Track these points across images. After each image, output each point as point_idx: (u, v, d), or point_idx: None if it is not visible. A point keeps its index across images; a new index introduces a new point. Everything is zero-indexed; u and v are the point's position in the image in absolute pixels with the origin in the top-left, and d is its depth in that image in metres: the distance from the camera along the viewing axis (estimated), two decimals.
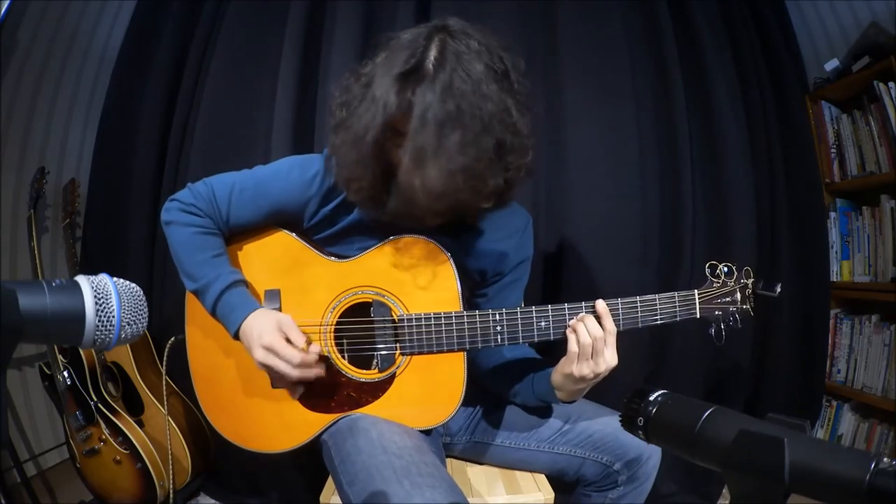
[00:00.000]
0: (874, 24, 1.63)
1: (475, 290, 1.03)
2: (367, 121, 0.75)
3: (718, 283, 0.90)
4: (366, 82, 0.79)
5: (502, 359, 1.01)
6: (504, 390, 1.01)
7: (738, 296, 0.90)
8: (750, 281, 0.91)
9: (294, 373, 0.83)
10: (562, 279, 1.56)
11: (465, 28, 0.78)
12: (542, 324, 0.86)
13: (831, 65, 1.76)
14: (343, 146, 0.81)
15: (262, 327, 0.84)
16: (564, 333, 0.85)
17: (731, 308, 0.89)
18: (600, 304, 0.84)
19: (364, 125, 0.76)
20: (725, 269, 0.90)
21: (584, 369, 0.82)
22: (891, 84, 1.57)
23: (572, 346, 0.83)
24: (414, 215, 0.82)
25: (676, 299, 0.87)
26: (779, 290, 0.88)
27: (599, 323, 0.83)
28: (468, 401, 1.01)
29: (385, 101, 0.73)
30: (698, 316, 0.88)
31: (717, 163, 1.67)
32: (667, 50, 1.64)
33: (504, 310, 0.87)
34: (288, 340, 0.84)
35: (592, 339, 0.81)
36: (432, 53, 0.74)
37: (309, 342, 0.86)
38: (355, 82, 0.82)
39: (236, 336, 0.87)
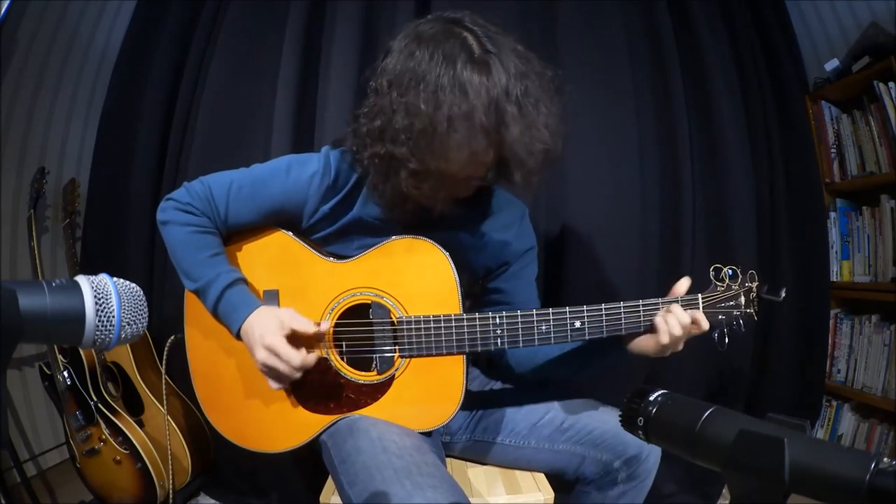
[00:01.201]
0: (874, 24, 1.63)
1: (486, 284, 1.04)
2: (467, 106, 0.74)
3: (723, 287, 0.88)
4: (421, 73, 0.76)
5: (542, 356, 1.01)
6: (550, 371, 1.01)
7: (743, 300, 0.88)
8: (755, 285, 0.89)
9: (294, 374, 0.83)
10: (562, 279, 1.56)
11: (467, 15, 0.80)
12: (543, 327, 0.86)
13: (831, 65, 1.76)
14: (437, 138, 0.76)
15: (263, 327, 0.84)
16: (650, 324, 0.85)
17: (736, 312, 0.87)
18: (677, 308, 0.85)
19: (466, 110, 0.74)
20: (730, 272, 0.88)
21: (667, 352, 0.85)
22: (891, 84, 1.57)
23: (663, 337, 0.83)
24: (524, 174, 0.82)
25: (680, 303, 0.86)
26: (784, 294, 0.86)
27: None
28: (468, 403, 1.02)
29: (476, 84, 0.74)
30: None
31: (717, 162, 1.67)
32: (667, 49, 1.64)
33: (504, 312, 0.87)
34: (292, 336, 0.84)
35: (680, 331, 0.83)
36: (473, 41, 0.77)
37: (317, 324, 0.86)
38: (404, 77, 0.78)
39: (238, 335, 0.87)
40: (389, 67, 0.80)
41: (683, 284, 0.88)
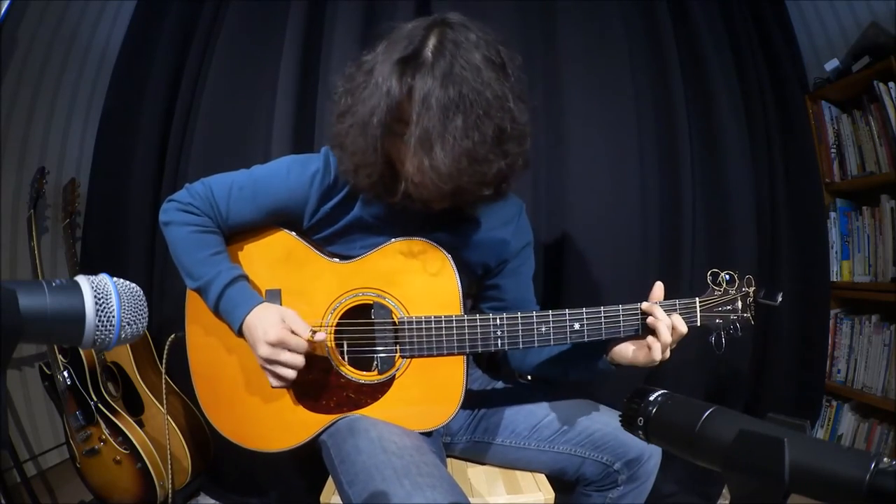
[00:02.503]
0: (874, 24, 1.63)
1: (484, 281, 1.04)
2: (372, 105, 0.76)
3: (720, 291, 0.89)
4: (368, 69, 0.80)
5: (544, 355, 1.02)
6: (554, 373, 1.02)
7: (739, 304, 0.89)
8: (751, 290, 0.90)
9: (292, 374, 0.83)
10: (562, 279, 1.56)
11: (464, 21, 0.79)
12: (543, 329, 0.86)
13: (831, 65, 1.76)
14: (350, 133, 0.81)
15: (266, 323, 0.84)
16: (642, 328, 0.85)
17: (732, 316, 0.88)
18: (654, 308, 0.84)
19: (369, 110, 0.76)
20: (727, 277, 0.89)
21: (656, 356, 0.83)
22: (891, 84, 1.57)
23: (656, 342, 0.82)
24: (422, 198, 0.82)
25: (678, 307, 0.86)
26: (780, 299, 0.87)
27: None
28: (468, 403, 1.02)
29: (388, 86, 0.74)
30: (699, 324, 0.87)
31: (717, 162, 1.67)
32: (667, 50, 1.64)
33: (504, 314, 0.87)
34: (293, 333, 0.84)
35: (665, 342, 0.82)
36: (431, 42, 0.76)
37: (314, 332, 0.86)
38: (357, 70, 0.82)
39: (240, 332, 0.87)
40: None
41: (659, 289, 0.87)
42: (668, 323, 0.82)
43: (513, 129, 0.79)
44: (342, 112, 0.83)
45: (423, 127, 0.72)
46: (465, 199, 0.85)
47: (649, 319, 0.84)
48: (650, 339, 0.83)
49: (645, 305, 0.85)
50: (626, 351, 0.88)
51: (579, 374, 0.99)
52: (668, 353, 0.84)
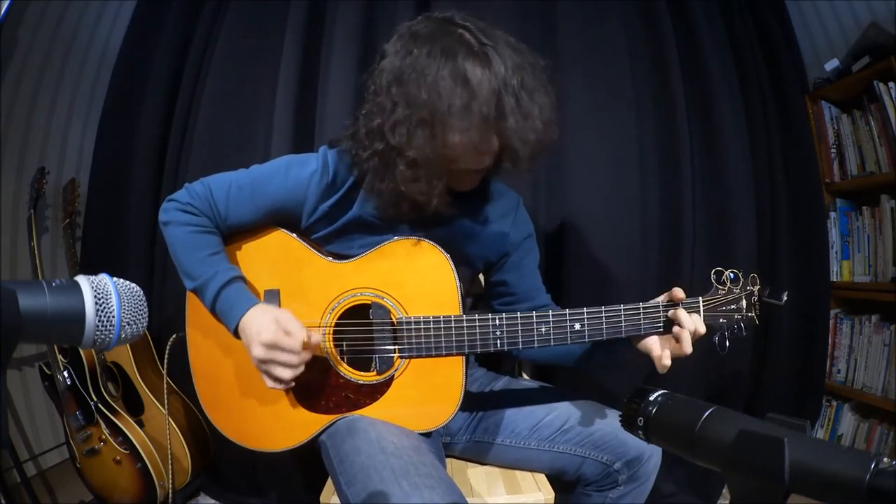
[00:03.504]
0: (874, 24, 1.63)
1: (489, 278, 1.05)
2: (466, 97, 0.75)
3: (724, 290, 0.87)
4: (421, 67, 0.77)
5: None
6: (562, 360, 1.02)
7: (744, 303, 0.87)
8: (756, 288, 0.88)
9: (289, 374, 0.82)
10: (562, 279, 1.56)
11: (459, 14, 0.82)
12: (543, 329, 0.86)
13: (831, 65, 1.76)
14: (437, 130, 0.77)
15: (260, 324, 0.83)
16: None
17: (737, 316, 0.87)
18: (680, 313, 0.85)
19: (465, 102, 0.75)
20: (731, 275, 0.87)
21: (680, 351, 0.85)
22: (891, 84, 1.57)
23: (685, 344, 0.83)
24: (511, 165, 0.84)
25: (681, 307, 0.86)
26: (785, 297, 0.85)
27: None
28: (468, 404, 1.02)
29: (475, 76, 0.76)
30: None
31: (717, 162, 1.67)
32: (667, 50, 1.64)
33: (504, 314, 0.87)
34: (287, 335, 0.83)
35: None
36: (471, 36, 0.78)
37: (309, 334, 0.85)
38: (403, 73, 0.79)
39: (236, 333, 0.87)
40: (388, 67, 0.81)
41: (678, 293, 0.87)
42: (692, 329, 0.83)
43: (553, 94, 0.85)
44: (408, 114, 0.78)
45: (523, 106, 0.78)
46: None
47: (675, 329, 0.84)
48: (673, 342, 0.84)
49: (671, 313, 0.86)
50: (654, 347, 0.87)
51: (603, 356, 0.99)
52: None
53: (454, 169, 0.84)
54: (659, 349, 0.86)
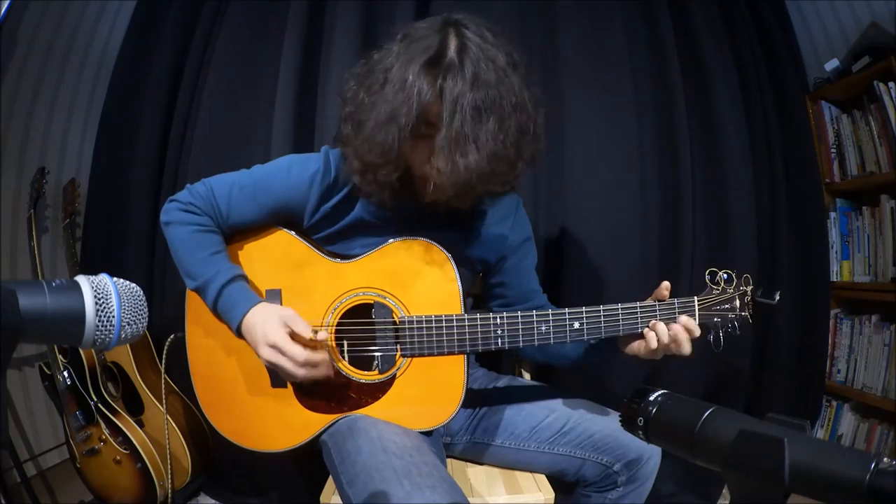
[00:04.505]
0: (874, 24, 1.63)
1: (487, 280, 1.05)
2: (396, 105, 0.75)
3: (718, 290, 0.90)
4: (385, 68, 0.78)
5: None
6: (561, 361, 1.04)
7: (738, 303, 0.90)
8: (749, 288, 0.91)
9: (299, 372, 0.82)
10: (562, 279, 1.56)
11: (474, 20, 0.80)
12: (543, 328, 0.87)
13: (831, 65, 1.76)
14: (366, 131, 0.80)
15: (266, 324, 0.83)
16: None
17: (730, 315, 0.89)
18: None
19: (393, 109, 0.76)
20: (725, 276, 0.90)
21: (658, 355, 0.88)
22: (891, 84, 1.57)
23: (651, 343, 0.85)
24: (440, 198, 0.83)
25: (676, 305, 0.87)
26: (777, 297, 0.87)
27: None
28: (469, 402, 1.02)
29: (418, 87, 0.74)
30: (697, 323, 0.88)
31: (717, 163, 1.67)
32: (667, 50, 1.64)
33: (504, 313, 0.87)
34: (293, 335, 0.84)
35: (663, 343, 0.85)
36: (452, 43, 0.76)
37: (315, 332, 0.85)
38: (372, 70, 0.81)
39: (239, 332, 0.87)
40: (369, 62, 0.83)
41: (664, 289, 0.89)
42: (665, 336, 0.85)
43: (532, 129, 0.82)
44: (355, 110, 0.83)
45: (455, 129, 0.74)
46: (481, 195, 0.86)
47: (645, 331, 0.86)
48: (648, 334, 0.86)
49: (652, 323, 0.87)
50: (634, 346, 0.90)
51: (593, 360, 1.01)
52: (672, 349, 0.86)
53: (418, 175, 0.84)
54: (648, 344, 0.87)
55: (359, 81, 0.83)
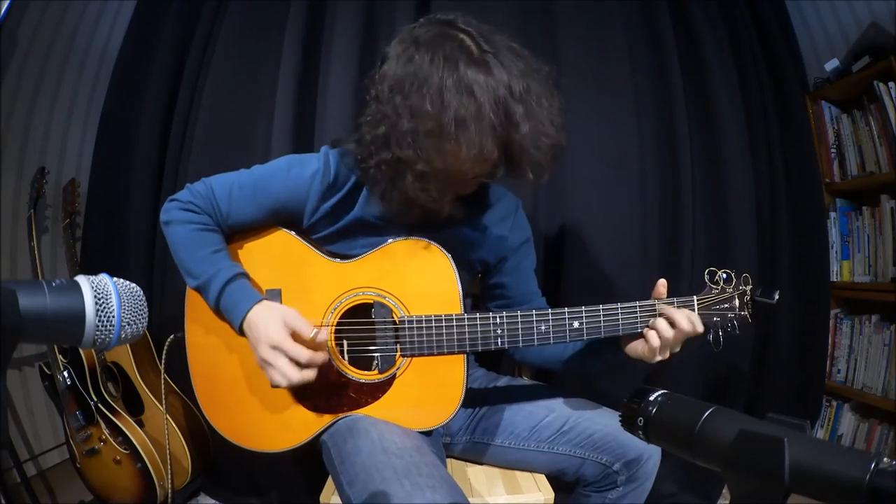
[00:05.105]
0: (874, 24, 1.63)
1: (487, 281, 1.05)
2: (473, 109, 0.74)
3: (717, 289, 0.90)
4: (423, 79, 0.76)
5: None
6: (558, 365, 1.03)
7: (737, 302, 0.90)
8: (748, 288, 0.91)
9: (296, 374, 0.82)
10: (562, 279, 1.56)
11: (465, 17, 0.81)
12: (542, 327, 0.87)
13: (831, 65, 1.76)
14: (443, 141, 0.76)
15: (267, 323, 0.83)
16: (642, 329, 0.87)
17: (730, 315, 0.89)
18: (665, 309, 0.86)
19: (473, 112, 0.74)
20: (724, 275, 0.90)
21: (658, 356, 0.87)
22: (891, 84, 1.57)
23: (652, 341, 0.85)
24: (531, 171, 0.83)
25: (675, 305, 0.87)
26: (777, 297, 0.87)
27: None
28: (468, 402, 1.02)
29: (486, 85, 0.75)
30: None
31: (717, 162, 1.67)
32: (667, 50, 1.64)
33: (504, 312, 0.88)
34: (294, 335, 0.83)
35: (665, 338, 0.85)
36: (469, 40, 0.77)
37: (317, 332, 0.85)
38: (404, 84, 0.78)
39: (241, 330, 0.87)
40: (389, 73, 0.80)
41: (661, 287, 0.89)
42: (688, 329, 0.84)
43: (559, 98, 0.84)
44: (414, 127, 0.77)
45: (526, 111, 0.76)
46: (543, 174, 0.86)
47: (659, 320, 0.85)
48: (649, 332, 0.85)
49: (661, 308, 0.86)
50: (636, 347, 0.89)
51: (595, 366, 1.01)
52: (667, 354, 0.86)
53: (462, 177, 0.84)
54: (650, 343, 0.86)
55: (390, 98, 0.79)
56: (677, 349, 0.87)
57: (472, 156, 0.77)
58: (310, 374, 0.83)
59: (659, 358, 0.87)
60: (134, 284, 0.46)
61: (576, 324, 0.87)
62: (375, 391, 0.90)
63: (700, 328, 0.86)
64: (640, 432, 0.48)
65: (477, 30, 0.79)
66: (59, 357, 1.49)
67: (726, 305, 0.90)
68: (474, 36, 0.78)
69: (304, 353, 0.82)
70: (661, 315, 0.86)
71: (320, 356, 0.84)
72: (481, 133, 0.75)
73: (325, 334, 0.87)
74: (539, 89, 0.79)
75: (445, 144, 0.76)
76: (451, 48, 0.77)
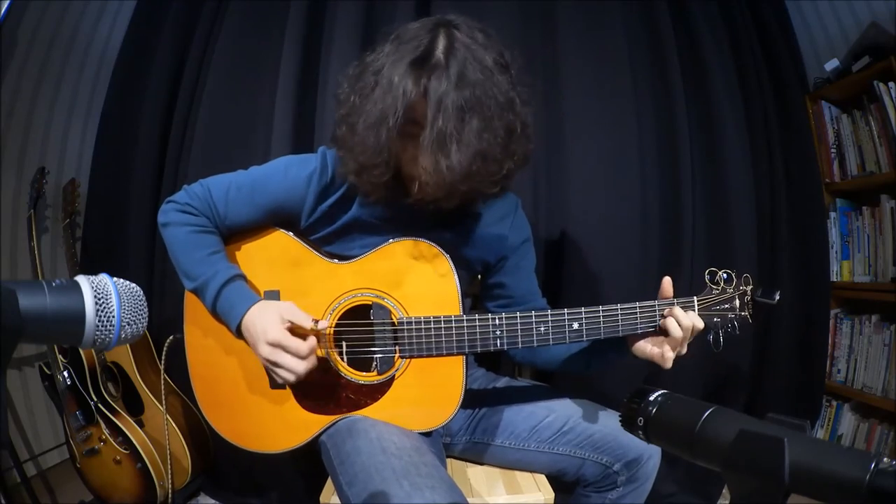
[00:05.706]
0: (874, 24, 1.63)
1: (487, 280, 1.05)
2: (385, 106, 0.76)
3: (718, 290, 0.89)
4: (376, 70, 0.79)
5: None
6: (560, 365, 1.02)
7: (737, 303, 0.89)
8: (749, 288, 0.90)
9: (301, 366, 0.82)
10: (562, 280, 1.56)
11: (468, 22, 0.80)
12: (542, 329, 0.86)
13: (831, 65, 1.76)
14: (358, 133, 0.80)
15: (265, 322, 0.83)
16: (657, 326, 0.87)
17: (730, 315, 0.89)
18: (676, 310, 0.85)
19: (382, 110, 0.76)
20: (725, 276, 0.89)
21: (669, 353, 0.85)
22: (891, 84, 1.57)
23: (674, 332, 0.84)
24: (429, 198, 0.83)
25: (675, 305, 0.87)
26: (777, 297, 0.87)
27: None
28: (468, 402, 1.02)
29: (403, 87, 0.75)
30: None
31: (717, 163, 1.67)
32: (667, 50, 1.64)
33: (504, 314, 0.87)
34: (293, 329, 0.83)
35: (686, 326, 0.84)
36: (441, 43, 0.76)
37: (316, 321, 0.85)
38: (364, 71, 0.82)
39: (238, 332, 0.87)
40: (363, 63, 0.83)
41: (668, 285, 0.89)
42: (689, 327, 0.84)
43: (521, 129, 0.82)
44: (348, 112, 0.83)
45: (438, 128, 0.74)
46: (472, 197, 0.86)
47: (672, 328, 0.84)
48: (665, 339, 0.85)
49: (667, 311, 0.86)
50: (644, 347, 0.88)
51: (599, 366, 1.00)
52: (679, 352, 0.86)
53: (407, 175, 0.84)
54: (659, 348, 0.86)
55: (351, 83, 0.84)
56: (684, 351, 0.87)
57: (369, 153, 0.79)
58: (314, 361, 0.84)
59: (670, 357, 0.85)
60: (134, 284, 0.46)
61: (575, 325, 0.86)
62: (375, 392, 0.90)
63: (700, 325, 0.85)
64: (640, 432, 0.48)
65: (465, 37, 0.77)
66: (59, 357, 1.49)
67: (727, 306, 0.89)
68: (452, 39, 0.76)
69: (303, 346, 0.82)
70: (668, 316, 0.85)
71: (316, 346, 0.84)
72: (382, 126, 0.76)
73: (326, 322, 0.87)
74: (477, 115, 0.75)
75: (357, 130, 0.80)
76: (413, 46, 0.76)
